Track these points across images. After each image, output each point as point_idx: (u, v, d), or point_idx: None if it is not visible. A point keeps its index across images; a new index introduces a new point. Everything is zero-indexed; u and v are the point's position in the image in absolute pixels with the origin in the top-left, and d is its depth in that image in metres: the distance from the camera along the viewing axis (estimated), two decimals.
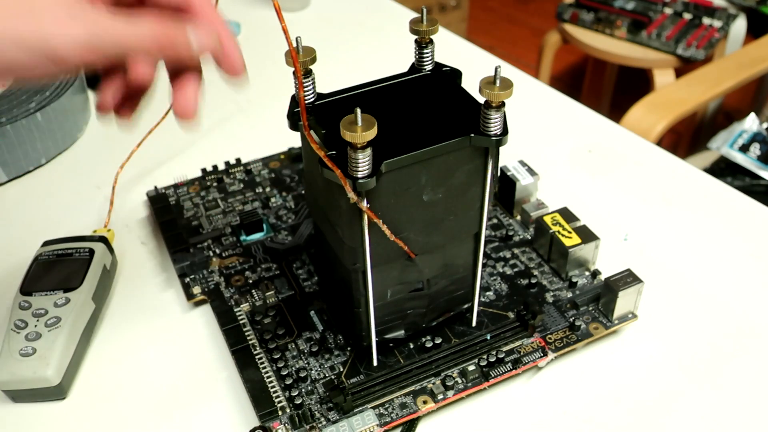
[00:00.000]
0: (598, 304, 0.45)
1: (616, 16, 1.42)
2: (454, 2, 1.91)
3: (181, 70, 0.35)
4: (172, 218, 0.53)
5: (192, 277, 0.48)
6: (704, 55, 1.34)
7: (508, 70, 0.71)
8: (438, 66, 0.41)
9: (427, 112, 0.37)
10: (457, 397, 0.41)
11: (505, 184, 0.53)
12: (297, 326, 0.45)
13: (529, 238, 0.51)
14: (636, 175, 0.59)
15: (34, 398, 0.42)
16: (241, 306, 0.46)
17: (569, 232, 0.47)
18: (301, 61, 0.36)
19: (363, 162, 0.32)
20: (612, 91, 1.73)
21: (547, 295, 0.46)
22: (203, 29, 0.33)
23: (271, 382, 0.41)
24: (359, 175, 0.33)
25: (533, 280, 0.47)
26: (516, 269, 0.48)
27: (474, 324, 0.44)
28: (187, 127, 0.35)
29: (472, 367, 0.41)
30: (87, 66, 0.31)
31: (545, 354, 0.43)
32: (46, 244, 0.49)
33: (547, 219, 0.48)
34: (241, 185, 0.57)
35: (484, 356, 0.42)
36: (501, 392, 0.42)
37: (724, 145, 1.06)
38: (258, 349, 0.43)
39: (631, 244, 0.52)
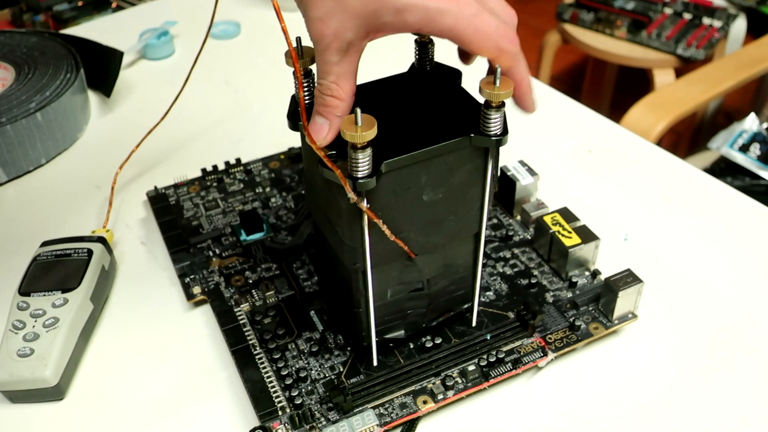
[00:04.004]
0: (598, 304, 0.45)
1: (616, 16, 1.42)
2: None
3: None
4: (172, 218, 0.53)
5: (192, 277, 0.48)
6: (704, 55, 1.34)
7: None
8: (438, 66, 0.41)
9: (427, 113, 0.37)
10: (457, 397, 0.41)
11: (505, 184, 0.53)
12: (297, 326, 0.45)
13: (529, 238, 0.51)
14: (636, 175, 0.59)
15: (32, 399, 0.42)
16: (241, 306, 0.46)
17: (569, 232, 0.47)
18: (301, 61, 0.36)
19: (363, 162, 0.32)
20: (612, 91, 1.73)
21: (547, 295, 0.46)
22: None
23: (271, 382, 0.41)
24: (359, 175, 0.32)
25: (533, 280, 0.47)
26: (516, 269, 0.48)
27: (474, 324, 0.44)
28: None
29: (472, 367, 0.41)
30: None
31: (545, 354, 0.42)
32: (44, 244, 0.49)
33: (547, 219, 0.48)
34: (241, 185, 0.57)
35: (484, 356, 0.42)
36: (501, 392, 0.42)
37: (724, 145, 1.06)
38: (258, 349, 0.43)
39: (631, 244, 0.52)
